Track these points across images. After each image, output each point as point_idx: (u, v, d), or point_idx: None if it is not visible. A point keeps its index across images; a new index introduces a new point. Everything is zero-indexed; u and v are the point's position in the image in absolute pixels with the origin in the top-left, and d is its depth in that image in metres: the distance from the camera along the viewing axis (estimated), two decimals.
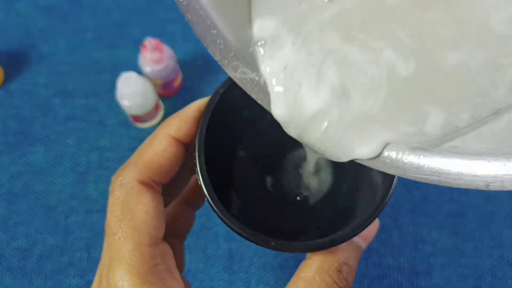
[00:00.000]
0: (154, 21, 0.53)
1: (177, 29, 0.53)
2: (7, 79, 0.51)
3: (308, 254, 0.24)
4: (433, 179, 0.16)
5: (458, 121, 0.16)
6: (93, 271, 0.43)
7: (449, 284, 0.42)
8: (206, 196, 0.22)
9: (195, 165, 0.22)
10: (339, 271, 0.24)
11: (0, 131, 0.48)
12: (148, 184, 0.23)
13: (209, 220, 0.45)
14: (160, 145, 0.24)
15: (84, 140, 0.48)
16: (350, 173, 0.27)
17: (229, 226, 0.22)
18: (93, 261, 0.43)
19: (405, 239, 0.44)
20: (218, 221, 0.42)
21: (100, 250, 0.46)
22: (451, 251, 0.43)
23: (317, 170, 0.27)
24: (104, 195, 0.46)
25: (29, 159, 0.47)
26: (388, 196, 0.23)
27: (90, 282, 0.43)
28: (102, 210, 0.45)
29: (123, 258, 0.21)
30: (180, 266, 0.27)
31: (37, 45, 0.52)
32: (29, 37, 0.53)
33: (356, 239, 0.25)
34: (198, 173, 0.22)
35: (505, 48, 0.16)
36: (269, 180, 0.27)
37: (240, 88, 0.20)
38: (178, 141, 0.24)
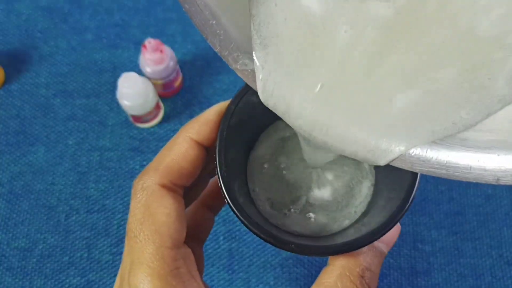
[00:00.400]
0: (155, 21, 0.53)
1: (177, 30, 0.53)
2: (7, 79, 0.51)
3: (329, 260, 0.24)
4: (441, 173, 0.16)
5: (465, 120, 0.16)
6: (93, 271, 0.43)
7: (448, 283, 0.42)
8: (226, 199, 0.22)
9: (216, 168, 0.23)
10: (362, 276, 0.24)
11: (1, 131, 0.48)
12: (169, 187, 0.23)
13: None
14: (181, 148, 0.24)
15: (84, 140, 0.48)
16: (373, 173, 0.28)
17: (248, 228, 0.22)
18: (94, 261, 0.44)
19: (405, 239, 0.44)
20: (219, 220, 0.43)
21: (101, 250, 0.46)
22: (451, 251, 0.44)
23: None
24: (104, 195, 0.46)
25: (30, 159, 0.47)
26: (411, 199, 0.23)
27: (90, 282, 0.43)
28: (103, 210, 0.45)
29: (144, 261, 0.22)
30: (200, 269, 0.27)
31: (37, 45, 0.52)
32: (30, 38, 0.53)
33: (377, 243, 0.25)
34: (218, 176, 0.23)
35: (494, 46, 0.16)
36: (287, 178, 0.27)
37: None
38: (198, 144, 0.24)
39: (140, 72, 0.50)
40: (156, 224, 0.22)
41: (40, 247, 0.44)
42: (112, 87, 0.50)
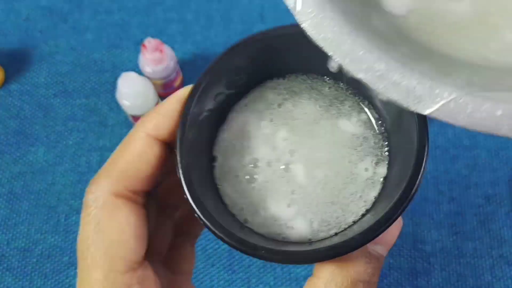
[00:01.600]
0: (155, 21, 0.53)
1: (177, 30, 0.53)
2: (7, 79, 0.51)
3: (314, 270, 0.20)
4: (489, 126, 0.15)
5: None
6: None
7: (448, 284, 0.42)
8: (186, 195, 0.19)
9: (176, 160, 0.19)
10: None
11: (1, 131, 0.48)
12: (125, 196, 0.20)
13: None
14: (137, 148, 0.20)
15: (84, 140, 0.48)
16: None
17: (210, 230, 0.19)
18: None
19: (405, 239, 0.44)
20: None
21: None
22: (451, 251, 0.43)
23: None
24: None
25: (30, 159, 0.47)
26: (412, 194, 0.19)
27: None
28: None
29: (96, 285, 0.18)
30: (189, 270, 0.24)
31: (37, 45, 0.52)
32: (30, 37, 0.53)
33: (372, 246, 0.20)
34: (181, 179, 0.19)
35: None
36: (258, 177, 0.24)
37: (221, 77, 0.20)
38: (158, 140, 0.20)
39: (140, 72, 0.50)
40: (106, 244, 0.19)
41: (40, 247, 0.44)
42: (112, 87, 0.50)
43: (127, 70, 0.51)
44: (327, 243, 0.19)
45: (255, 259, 0.44)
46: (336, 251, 0.18)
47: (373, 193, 0.22)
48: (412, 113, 0.20)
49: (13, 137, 0.48)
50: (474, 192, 0.46)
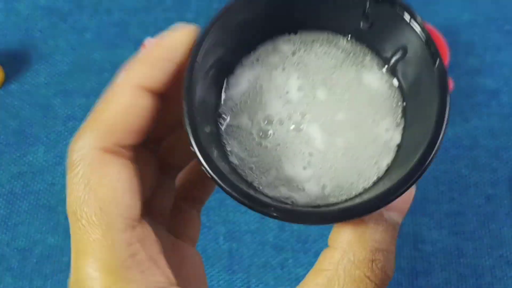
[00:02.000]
0: (154, 21, 0.53)
1: None
2: (7, 79, 0.51)
3: (329, 241, 0.19)
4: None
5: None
6: None
7: (449, 284, 0.43)
8: (195, 151, 0.18)
9: (182, 111, 0.18)
10: (371, 261, 0.18)
11: (0, 131, 0.48)
12: (114, 151, 0.18)
13: (209, 220, 0.45)
14: (124, 99, 0.18)
15: None
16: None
17: (220, 187, 0.18)
18: None
19: (405, 239, 0.44)
20: (218, 220, 0.43)
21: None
22: (451, 251, 0.44)
23: None
24: None
25: (29, 159, 0.47)
26: (433, 153, 0.18)
27: None
28: None
29: (90, 251, 0.17)
30: (194, 236, 0.23)
31: (37, 45, 0.52)
32: (29, 37, 0.53)
33: (387, 213, 0.19)
34: (185, 122, 0.18)
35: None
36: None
37: (229, 28, 0.19)
38: (147, 91, 0.18)
39: None
40: (101, 202, 0.17)
41: (40, 247, 0.44)
42: None
43: None
44: (341, 206, 0.19)
45: (255, 259, 0.44)
46: (351, 212, 0.18)
47: (386, 160, 0.21)
48: (433, 80, 0.19)
49: (13, 137, 0.48)
50: (474, 192, 0.46)
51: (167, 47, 0.19)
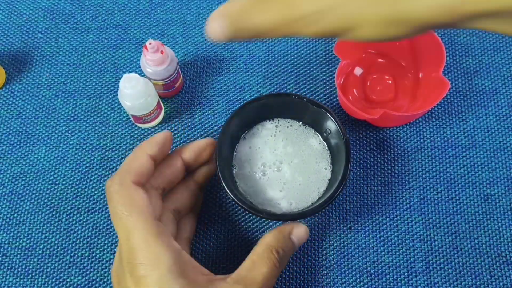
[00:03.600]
0: (155, 23, 0.54)
1: (178, 31, 0.53)
2: (9, 80, 0.51)
3: (258, 242, 0.38)
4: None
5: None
6: (95, 270, 0.44)
7: (447, 283, 0.43)
8: (225, 189, 0.39)
9: (215, 162, 0.40)
10: (277, 251, 0.37)
11: (3, 132, 0.49)
12: (138, 183, 0.36)
13: (209, 220, 0.45)
14: (142, 160, 0.37)
15: (86, 140, 0.48)
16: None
17: (236, 202, 0.39)
18: (95, 260, 0.44)
19: (403, 237, 0.44)
20: (218, 220, 0.44)
21: (102, 249, 0.46)
22: (449, 250, 0.44)
23: None
24: (105, 194, 0.46)
25: (31, 159, 0.48)
26: (340, 189, 0.39)
27: (92, 281, 0.43)
28: (104, 210, 0.46)
29: (139, 228, 0.33)
30: (192, 232, 0.42)
31: (39, 46, 0.53)
32: (31, 38, 0.53)
33: (292, 236, 0.39)
34: (218, 173, 0.39)
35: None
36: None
37: (235, 123, 0.42)
38: (150, 157, 0.37)
39: (141, 73, 0.50)
40: (140, 206, 0.34)
41: (42, 246, 0.44)
42: (114, 88, 0.51)
43: (128, 71, 0.51)
44: (296, 212, 0.39)
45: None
46: (303, 215, 0.39)
47: (323, 188, 0.42)
48: (342, 146, 0.40)
49: (15, 137, 0.48)
50: (472, 191, 0.46)
51: (155, 140, 0.39)
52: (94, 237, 0.45)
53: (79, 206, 0.46)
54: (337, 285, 0.43)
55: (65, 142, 0.48)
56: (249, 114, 0.42)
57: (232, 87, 0.50)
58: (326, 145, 0.43)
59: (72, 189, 0.46)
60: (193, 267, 0.34)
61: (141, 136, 0.48)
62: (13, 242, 0.45)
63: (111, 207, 0.35)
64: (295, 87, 0.50)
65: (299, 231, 0.39)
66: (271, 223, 0.45)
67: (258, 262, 0.36)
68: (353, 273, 0.43)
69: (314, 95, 0.50)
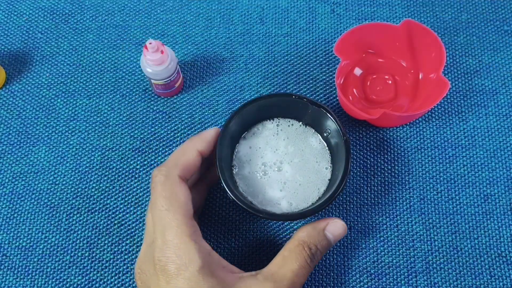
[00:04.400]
0: (156, 22, 0.54)
1: (178, 31, 0.53)
2: (9, 80, 0.51)
3: (293, 236, 0.38)
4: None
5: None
6: (94, 270, 0.44)
7: (446, 283, 0.43)
8: (225, 188, 0.38)
9: (217, 171, 0.39)
10: (309, 248, 0.36)
11: (3, 132, 0.49)
12: (183, 178, 0.36)
13: (209, 220, 0.45)
14: (191, 155, 0.37)
15: (86, 140, 0.48)
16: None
17: (235, 202, 0.38)
18: (95, 260, 0.44)
19: (403, 237, 0.44)
20: (219, 220, 0.44)
21: (102, 249, 0.46)
22: (449, 250, 0.44)
23: None
24: (105, 194, 0.46)
25: (31, 159, 0.48)
26: (341, 188, 0.38)
27: (92, 281, 0.43)
28: (104, 210, 0.46)
29: (175, 225, 0.34)
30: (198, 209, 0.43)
31: (39, 46, 0.53)
32: (31, 38, 0.53)
33: (327, 232, 0.38)
34: (218, 173, 0.38)
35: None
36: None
37: (237, 122, 0.41)
38: (199, 153, 0.38)
39: (141, 73, 0.50)
40: (180, 202, 0.35)
41: (42, 246, 0.44)
42: (114, 87, 0.51)
43: (128, 70, 0.52)
44: (297, 212, 0.38)
45: (253, 259, 0.44)
46: (303, 215, 0.38)
47: (323, 188, 0.41)
48: (343, 145, 0.40)
49: (15, 137, 0.48)
50: (472, 191, 0.46)
51: (213, 131, 0.39)
52: (94, 237, 0.45)
53: (79, 206, 0.46)
54: (337, 285, 0.43)
55: (65, 142, 0.48)
56: (249, 114, 0.42)
57: (232, 87, 0.50)
58: (326, 145, 0.43)
59: (72, 189, 0.46)
60: (223, 267, 0.35)
61: (141, 136, 0.48)
62: (13, 242, 0.45)
63: (153, 197, 0.35)
64: (295, 87, 0.50)
65: (335, 227, 0.38)
66: (271, 223, 0.45)
67: (289, 258, 0.35)
68: (353, 273, 0.43)
69: (314, 95, 0.50)
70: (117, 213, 0.45)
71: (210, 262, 0.33)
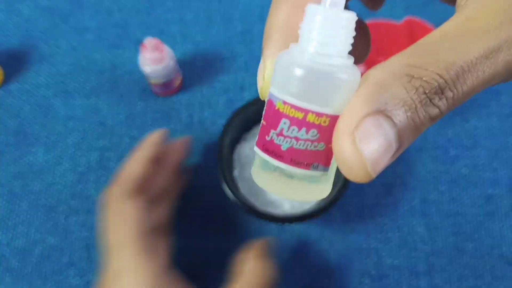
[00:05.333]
0: (155, 21, 0.53)
1: (177, 30, 0.53)
2: (7, 79, 0.51)
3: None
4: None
5: None
6: (93, 271, 0.43)
7: (448, 284, 0.42)
8: (224, 183, 0.39)
9: (219, 173, 0.40)
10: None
11: (0, 131, 0.48)
12: (137, 190, 0.37)
13: (210, 222, 0.45)
14: (140, 166, 0.38)
15: (84, 140, 0.48)
16: None
17: (238, 206, 0.39)
18: (93, 261, 0.44)
19: (405, 239, 0.44)
20: (219, 220, 0.43)
21: (100, 250, 0.46)
22: (451, 251, 0.44)
23: None
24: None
25: (29, 159, 0.47)
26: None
27: (90, 282, 0.43)
28: None
29: (130, 241, 0.34)
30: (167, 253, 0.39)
31: (37, 45, 0.52)
32: (30, 37, 0.53)
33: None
34: (219, 174, 0.39)
35: None
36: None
37: (237, 124, 0.42)
38: (150, 160, 0.39)
39: (140, 73, 0.50)
40: (132, 220, 0.35)
41: (40, 247, 0.44)
42: (113, 87, 0.50)
43: (127, 70, 0.51)
44: (298, 215, 0.39)
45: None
46: (306, 217, 0.38)
47: None
48: None
49: (13, 137, 0.48)
50: (474, 192, 0.46)
51: (150, 142, 0.40)
52: (92, 238, 0.44)
53: (77, 207, 0.45)
54: (338, 286, 0.43)
55: (63, 142, 0.48)
56: (249, 114, 0.42)
57: (232, 87, 0.50)
58: None
59: (70, 190, 0.46)
60: (175, 281, 0.36)
61: (140, 137, 0.48)
62: (11, 243, 0.44)
63: (104, 217, 0.36)
64: None
65: None
66: (273, 225, 0.45)
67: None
68: (354, 274, 0.43)
69: None
70: None
71: (162, 280, 0.34)
